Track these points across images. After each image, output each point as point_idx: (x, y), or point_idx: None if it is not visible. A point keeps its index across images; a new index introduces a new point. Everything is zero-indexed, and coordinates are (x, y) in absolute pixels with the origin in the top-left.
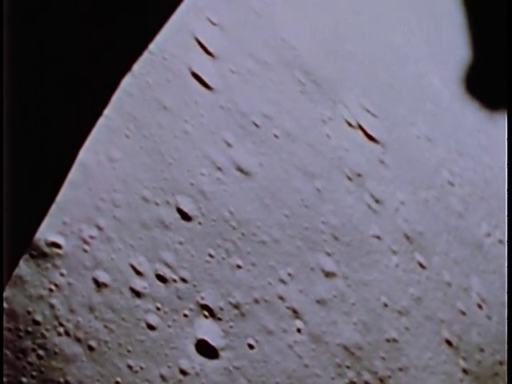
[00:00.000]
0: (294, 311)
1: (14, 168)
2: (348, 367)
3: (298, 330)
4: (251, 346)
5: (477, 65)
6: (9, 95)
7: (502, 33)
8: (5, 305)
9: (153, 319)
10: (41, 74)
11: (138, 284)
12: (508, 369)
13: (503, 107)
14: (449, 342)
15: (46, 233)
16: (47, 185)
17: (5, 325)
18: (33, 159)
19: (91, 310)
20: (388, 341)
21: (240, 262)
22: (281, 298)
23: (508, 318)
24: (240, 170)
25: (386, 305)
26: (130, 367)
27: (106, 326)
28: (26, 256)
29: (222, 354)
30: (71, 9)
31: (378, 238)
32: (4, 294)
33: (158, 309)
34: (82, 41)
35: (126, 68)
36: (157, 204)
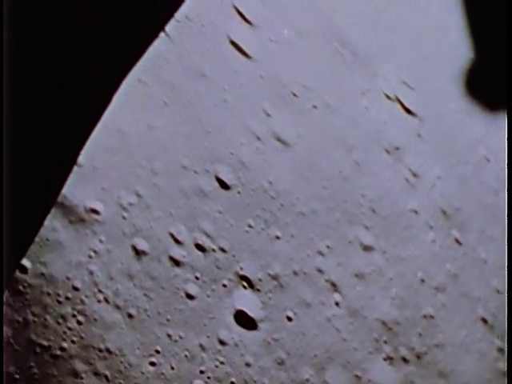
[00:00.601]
0: (333, 284)
1: (13, 167)
2: (385, 342)
3: (337, 304)
4: (290, 319)
5: (478, 65)
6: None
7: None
8: (44, 269)
9: (192, 289)
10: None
11: (177, 253)
12: (508, 369)
13: (503, 107)
14: (484, 320)
15: (84, 199)
16: (47, 183)
17: (44, 289)
18: (34, 153)
19: (130, 277)
20: (425, 317)
21: (279, 233)
22: (319, 270)
23: (508, 318)
24: (279, 140)
25: (422, 280)
26: (169, 336)
27: (145, 294)
28: (65, 222)
29: (260, 325)
30: None
31: (416, 212)
32: (43, 259)
33: (197, 278)
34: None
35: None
36: (196, 172)
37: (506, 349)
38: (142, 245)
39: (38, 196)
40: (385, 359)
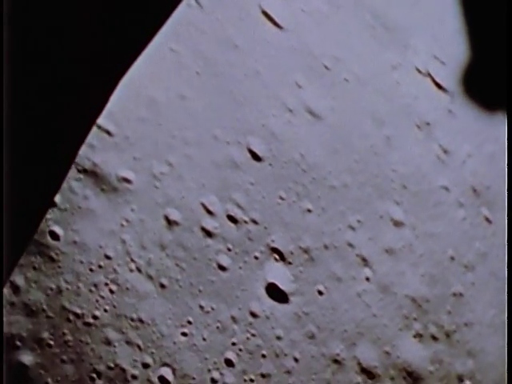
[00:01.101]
0: (363, 259)
1: (14, 162)
2: (415, 319)
3: (367, 279)
4: (320, 293)
5: (478, 64)
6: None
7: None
8: (76, 237)
9: (224, 260)
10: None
11: (209, 224)
12: (508, 369)
13: (503, 107)
14: None
15: (116, 168)
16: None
17: (77, 257)
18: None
19: (163, 247)
20: (454, 295)
21: (310, 206)
22: (350, 244)
23: (508, 318)
24: (310, 112)
25: (452, 258)
26: (201, 307)
27: (177, 265)
28: (97, 190)
29: (291, 298)
30: None
31: (446, 189)
32: (75, 227)
33: (229, 250)
34: None
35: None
36: (228, 143)
37: (506, 348)
38: (174, 215)
39: (37, 196)
40: (414, 336)
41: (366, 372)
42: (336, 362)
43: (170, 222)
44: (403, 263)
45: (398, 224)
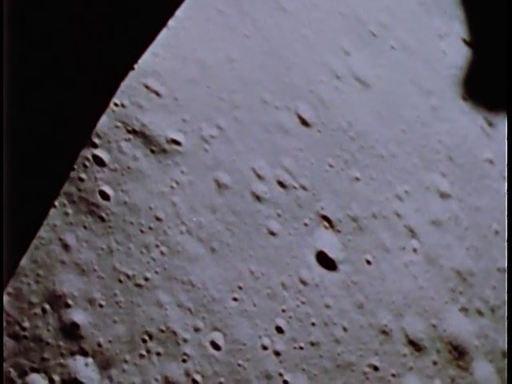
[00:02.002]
0: (411, 230)
1: (13, 159)
2: (461, 293)
3: (414, 250)
4: (368, 262)
5: (478, 64)
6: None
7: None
8: (126, 198)
9: (274, 225)
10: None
11: (259, 188)
12: (508, 369)
13: (503, 107)
14: None
15: (165, 129)
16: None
17: (127, 218)
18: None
19: (213, 211)
20: (499, 270)
21: (358, 175)
22: (397, 214)
23: (508, 318)
24: (358, 80)
25: (497, 232)
26: (251, 272)
27: (227, 229)
28: (146, 151)
29: (340, 267)
30: None
31: (491, 162)
32: (125, 187)
33: (279, 215)
34: None
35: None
36: (276, 108)
37: (507, 348)
38: (224, 178)
39: (37, 196)
40: (460, 310)
41: (413, 344)
42: (384, 332)
43: (220, 186)
44: (449, 236)
45: (444, 196)
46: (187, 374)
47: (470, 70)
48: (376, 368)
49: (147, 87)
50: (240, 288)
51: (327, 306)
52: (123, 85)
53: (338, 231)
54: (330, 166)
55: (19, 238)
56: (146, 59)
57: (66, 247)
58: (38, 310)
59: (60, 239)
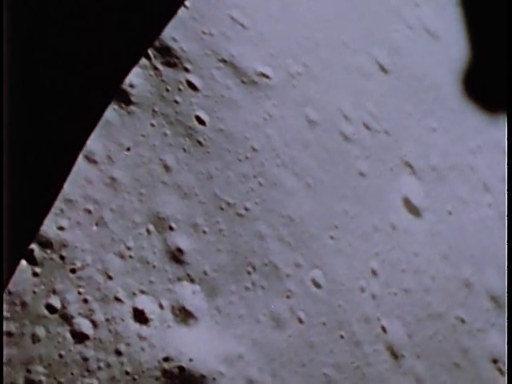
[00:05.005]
0: (485, 185)
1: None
2: None
3: (489, 205)
4: (450, 213)
5: (478, 64)
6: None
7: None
8: (222, 125)
9: (363, 167)
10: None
11: (347, 129)
12: (508, 369)
13: (503, 107)
14: None
15: (253, 62)
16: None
17: (224, 146)
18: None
19: (305, 146)
20: None
21: (435, 125)
22: (472, 168)
23: (508, 318)
24: (428, 31)
25: None
26: (346, 212)
27: (320, 166)
28: (237, 81)
29: (424, 215)
30: None
31: None
32: (220, 115)
33: (367, 157)
34: None
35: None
36: (356, 51)
37: (506, 348)
38: (314, 115)
39: (37, 196)
40: None
41: (494, 300)
42: (467, 285)
43: (310, 122)
44: None
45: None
46: (292, 311)
47: None
48: (463, 320)
49: (232, 18)
50: (336, 227)
51: (416, 254)
52: (209, 14)
53: (420, 179)
54: (409, 113)
55: (19, 238)
56: None
57: (166, 168)
58: (142, 231)
59: (160, 159)
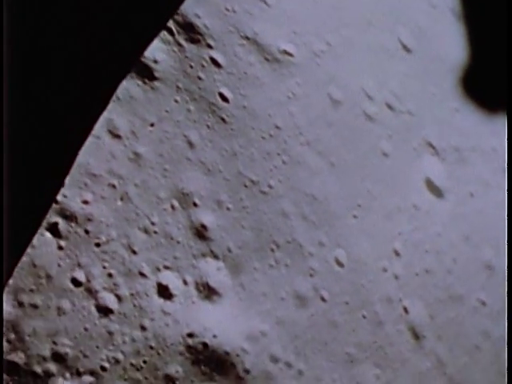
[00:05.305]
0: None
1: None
2: None
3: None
4: (471, 194)
5: (478, 64)
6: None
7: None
8: (245, 102)
9: (386, 147)
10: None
11: (370, 108)
12: (508, 369)
13: (503, 107)
14: None
15: (276, 39)
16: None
17: (248, 123)
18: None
19: (329, 125)
20: None
21: (458, 106)
22: (494, 150)
23: (508, 318)
24: (452, 11)
25: None
26: (369, 192)
27: (344, 145)
28: (261, 58)
29: (446, 196)
30: None
31: None
32: (243, 92)
33: (390, 137)
34: None
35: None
36: (380, 30)
37: (506, 348)
38: (337, 94)
39: (36, 197)
40: None
41: None
42: (488, 267)
43: (334, 101)
44: None
45: None
46: (315, 290)
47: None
48: (484, 303)
49: None
50: (359, 206)
51: (438, 235)
52: None
53: (443, 160)
54: (432, 94)
55: (18, 238)
56: None
57: (190, 144)
58: (166, 206)
59: (184, 135)
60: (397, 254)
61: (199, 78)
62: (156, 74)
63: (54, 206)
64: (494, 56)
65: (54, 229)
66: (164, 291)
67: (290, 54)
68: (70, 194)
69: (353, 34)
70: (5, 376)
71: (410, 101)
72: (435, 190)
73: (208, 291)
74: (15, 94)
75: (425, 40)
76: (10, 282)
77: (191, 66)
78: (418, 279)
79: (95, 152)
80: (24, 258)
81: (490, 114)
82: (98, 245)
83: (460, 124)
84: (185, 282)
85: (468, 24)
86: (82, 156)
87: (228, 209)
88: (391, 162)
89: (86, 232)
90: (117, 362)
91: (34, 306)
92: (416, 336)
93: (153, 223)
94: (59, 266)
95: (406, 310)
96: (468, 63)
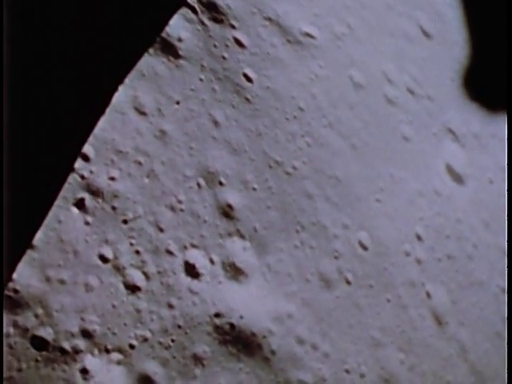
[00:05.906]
0: None
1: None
2: None
3: None
4: (491, 181)
5: (478, 64)
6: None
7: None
8: (269, 83)
9: (407, 131)
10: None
11: (391, 92)
12: (508, 369)
13: (503, 107)
14: None
15: (298, 21)
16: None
17: (272, 103)
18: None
19: (350, 107)
20: None
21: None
22: None
23: (508, 318)
24: None
25: None
26: (391, 175)
27: (365, 128)
28: (283, 40)
29: (467, 182)
30: None
31: None
32: (267, 73)
33: (410, 122)
34: None
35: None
36: (400, 14)
37: (506, 348)
38: (358, 77)
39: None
40: None
41: None
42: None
43: (355, 84)
44: None
45: None
46: (339, 272)
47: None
48: (504, 290)
49: None
50: (381, 189)
51: (458, 221)
52: None
53: (463, 146)
54: (452, 79)
55: (19, 238)
56: None
57: (215, 123)
58: (193, 184)
59: (209, 114)
60: (419, 238)
61: (223, 58)
62: (180, 53)
63: (80, 181)
64: (493, 56)
65: (80, 204)
66: (191, 270)
67: (312, 36)
68: (96, 170)
69: (373, 17)
70: (33, 351)
71: (430, 86)
72: (456, 176)
73: (235, 271)
74: (15, 94)
75: (443, 25)
76: (37, 256)
77: (215, 46)
78: (440, 264)
79: (121, 129)
80: (51, 233)
81: (490, 114)
82: (125, 221)
83: (479, 110)
84: (211, 261)
85: (468, 24)
86: (108, 132)
87: (254, 189)
88: (412, 147)
89: (113, 208)
90: (145, 340)
91: (62, 282)
92: (439, 321)
93: (179, 201)
94: (86, 241)
95: (428, 294)
96: (468, 63)
